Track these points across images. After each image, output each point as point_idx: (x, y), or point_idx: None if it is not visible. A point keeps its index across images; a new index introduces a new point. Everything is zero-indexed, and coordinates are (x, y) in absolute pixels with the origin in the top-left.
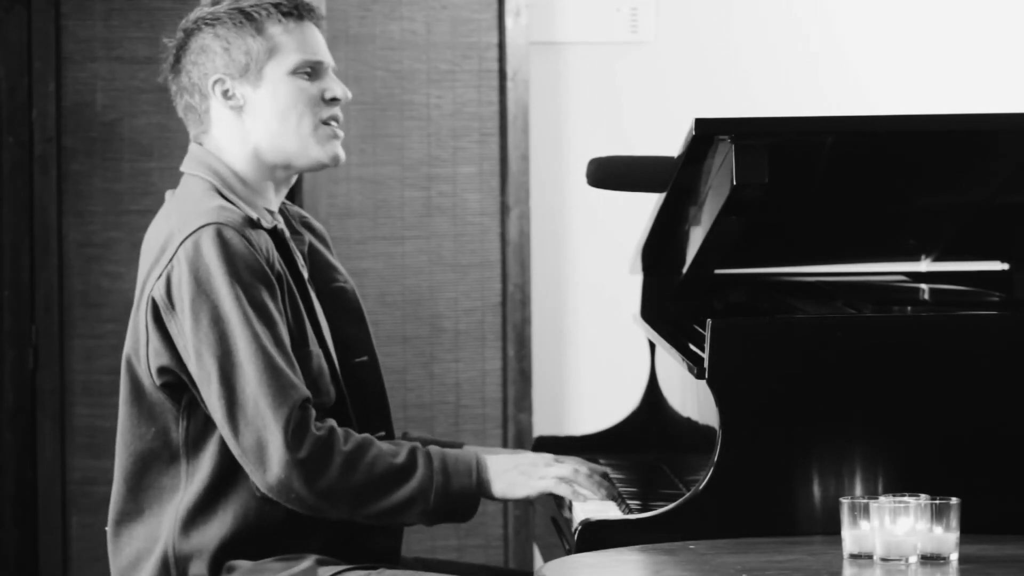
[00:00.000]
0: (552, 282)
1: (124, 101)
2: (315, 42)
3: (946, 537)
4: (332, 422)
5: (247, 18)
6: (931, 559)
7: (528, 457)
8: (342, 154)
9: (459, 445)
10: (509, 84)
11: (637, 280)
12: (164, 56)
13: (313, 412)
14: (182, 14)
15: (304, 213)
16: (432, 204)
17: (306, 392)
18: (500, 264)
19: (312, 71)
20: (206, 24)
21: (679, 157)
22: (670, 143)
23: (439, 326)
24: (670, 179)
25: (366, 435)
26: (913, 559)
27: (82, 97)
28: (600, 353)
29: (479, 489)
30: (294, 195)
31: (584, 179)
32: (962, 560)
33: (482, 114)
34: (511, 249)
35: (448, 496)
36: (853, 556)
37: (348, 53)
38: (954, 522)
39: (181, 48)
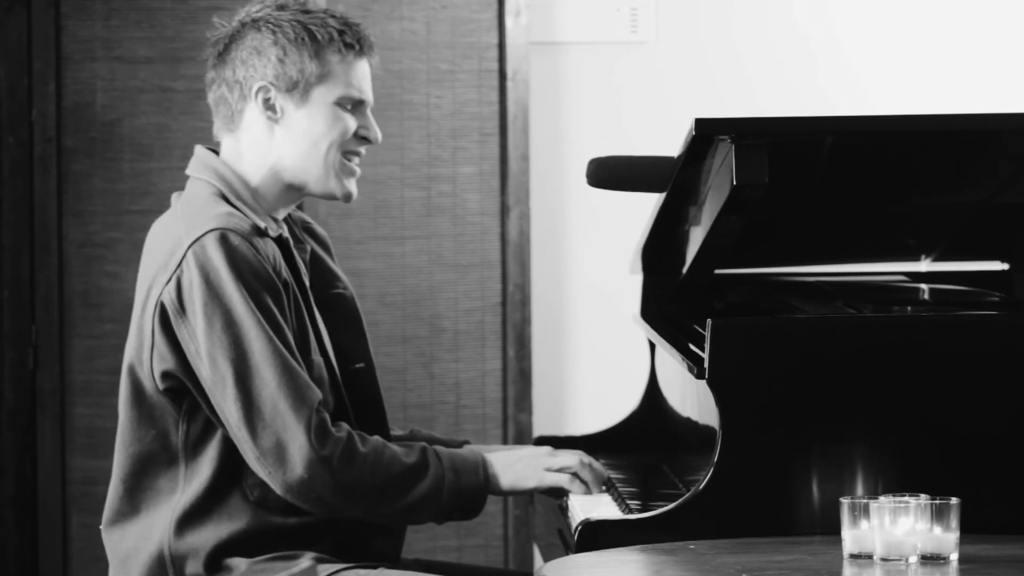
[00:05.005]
0: (552, 282)
1: (124, 101)
2: (364, 79)
3: (946, 537)
4: (346, 426)
5: (310, 37)
6: (931, 559)
7: (527, 449)
8: (355, 192)
9: (459, 444)
10: (509, 84)
11: (637, 280)
12: (212, 39)
13: (328, 415)
14: (182, 14)
15: (307, 218)
16: (432, 204)
17: (320, 394)
18: (500, 264)
19: (353, 106)
20: (267, 26)
21: (679, 157)
22: (670, 143)
23: (439, 326)
24: (670, 179)
25: (377, 437)
26: (913, 559)
27: (82, 97)
28: (600, 353)
29: (487, 484)
30: None
31: (584, 179)
32: (962, 560)
33: (482, 114)
34: (511, 249)
35: (459, 493)
36: (853, 556)
37: None
38: (954, 522)
39: (233, 40)
